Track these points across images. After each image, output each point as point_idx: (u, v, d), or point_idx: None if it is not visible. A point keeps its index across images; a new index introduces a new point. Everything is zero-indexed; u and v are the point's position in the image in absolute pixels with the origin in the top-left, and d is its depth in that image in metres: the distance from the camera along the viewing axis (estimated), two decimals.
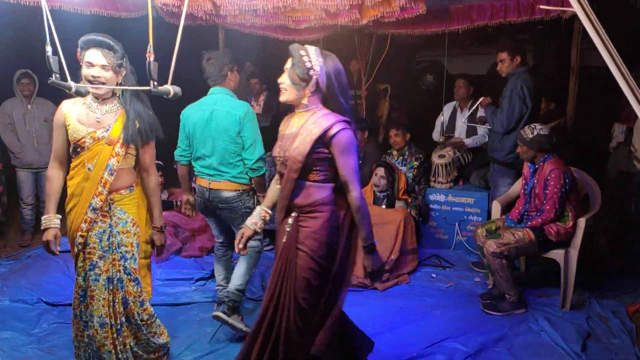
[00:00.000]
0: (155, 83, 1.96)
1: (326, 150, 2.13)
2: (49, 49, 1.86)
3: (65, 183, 2.54)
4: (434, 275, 4.16)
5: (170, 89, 2.05)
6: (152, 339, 2.66)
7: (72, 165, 2.49)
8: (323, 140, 2.11)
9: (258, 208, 2.40)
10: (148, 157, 2.59)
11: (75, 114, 2.44)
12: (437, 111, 5.27)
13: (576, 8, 1.29)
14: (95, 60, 2.33)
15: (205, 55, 3.18)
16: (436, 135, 5.24)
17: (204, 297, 3.77)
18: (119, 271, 2.49)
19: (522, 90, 3.93)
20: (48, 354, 2.99)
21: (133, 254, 2.53)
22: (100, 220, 2.46)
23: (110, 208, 2.48)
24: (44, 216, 2.49)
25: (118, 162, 2.44)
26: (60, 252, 4.58)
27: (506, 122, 4.00)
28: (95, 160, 2.41)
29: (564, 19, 3.94)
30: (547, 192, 3.36)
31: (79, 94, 2.32)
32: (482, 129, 4.86)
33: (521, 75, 3.99)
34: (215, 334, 3.22)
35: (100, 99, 2.44)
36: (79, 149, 2.44)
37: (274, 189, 2.40)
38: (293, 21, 4.38)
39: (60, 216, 2.51)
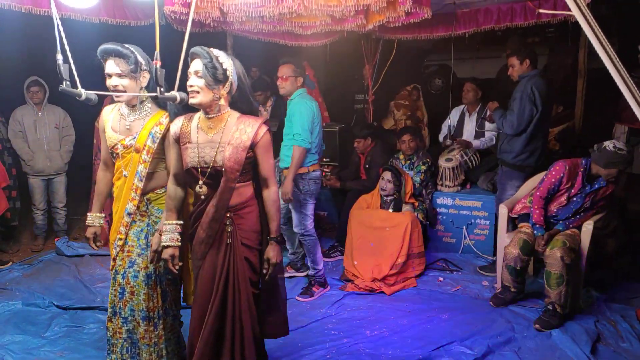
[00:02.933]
0: (162, 89, 2.00)
1: (251, 154, 2.26)
2: (59, 56, 1.91)
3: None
4: (441, 278, 4.15)
5: (177, 95, 2.10)
6: (183, 341, 2.72)
7: (114, 169, 2.60)
8: (252, 146, 2.24)
9: (172, 225, 2.35)
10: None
11: (111, 121, 2.52)
12: (447, 115, 5.28)
13: (574, 11, 1.30)
14: (111, 70, 2.37)
15: None
16: (441, 138, 5.24)
17: None
18: (158, 268, 2.55)
19: (533, 93, 3.91)
20: (59, 357, 3.03)
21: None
22: (139, 219, 2.53)
23: (147, 208, 2.54)
24: (89, 214, 2.68)
25: (145, 168, 2.46)
26: (69, 256, 4.69)
27: (516, 123, 3.99)
28: (130, 167, 2.48)
29: (571, 21, 3.94)
30: (603, 199, 3.46)
31: (89, 101, 2.38)
32: (489, 133, 4.85)
33: (532, 78, 3.98)
34: None
35: (129, 105, 2.49)
36: (114, 155, 2.54)
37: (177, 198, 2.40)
38: (299, 27, 4.42)
39: (103, 215, 2.70)
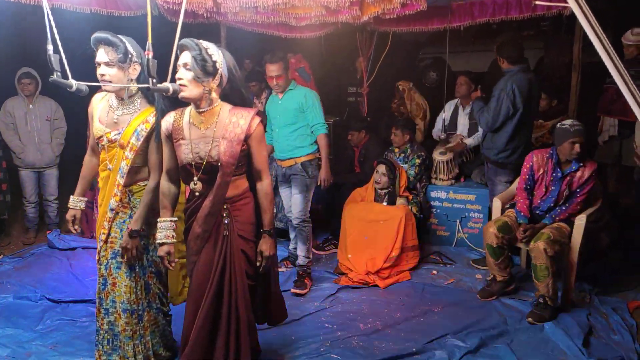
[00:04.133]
0: (154, 80, 1.97)
1: (245, 146, 2.25)
2: (50, 47, 1.87)
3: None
4: (435, 272, 4.17)
5: (170, 86, 2.07)
6: (170, 335, 2.72)
7: (100, 160, 2.58)
8: (246, 138, 2.23)
9: (166, 222, 2.33)
10: (155, 158, 2.53)
11: (99, 112, 2.48)
12: (441, 108, 5.27)
13: (571, 3, 1.29)
14: (100, 59, 2.34)
15: None
16: (437, 132, 5.24)
17: None
18: (141, 260, 2.53)
19: (513, 91, 3.89)
20: (51, 350, 3.01)
21: (155, 246, 2.53)
22: (122, 211, 2.50)
23: (130, 199, 2.51)
24: (71, 196, 2.67)
25: (127, 165, 2.44)
26: (61, 249, 4.66)
27: (491, 121, 4.00)
28: (114, 162, 2.45)
29: (565, 15, 3.93)
30: (584, 188, 3.42)
31: (80, 92, 2.34)
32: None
33: (515, 75, 3.95)
34: None
35: (118, 98, 2.44)
36: (99, 146, 2.51)
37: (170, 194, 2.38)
38: (294, 18, 4.38)
39: (86, 199, 2.70)
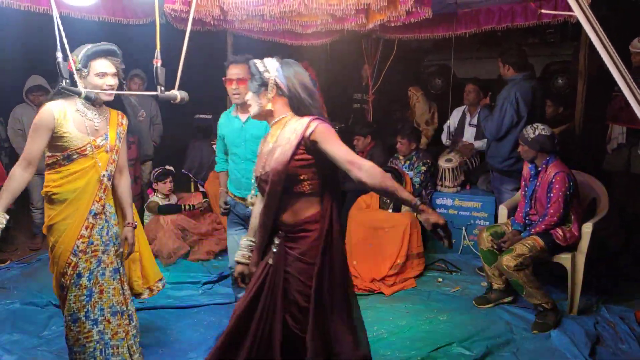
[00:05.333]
0: (163, 88, 1.99)
1: (309, 156, 1.97)
2: (59, 54, 1.90)
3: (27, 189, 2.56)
4: (440, 279, 4.15)
5: (177, 94, 2.09)
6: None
7: (63, 172, 2.44)
8: (305, 145, 1.96)
9: (244, 240, 2.28)
10: (125, 157, 2.68)
11: (72, 122, 2.39)
12: (446, 115, 5.27)
13: (576, 12, 1.30)
14: (108, 70, 2.39)
15: None
16: (444, 138, 5.24)
17: (211, 300, 3.78)
18: (120, 260, 2.60)
19: (517, 100, 3.89)
20: (57, 356, 3.02)
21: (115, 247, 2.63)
22: (99, 217, 2.51)
23: (104, 206, 2.55)
24: None
25: (114, 167, 2.54)
26: None
27: (495, 130, 3.99)
28: (100, 167, 2.47)
29: (571, 22, 3.93)
30: (552, 195, 3.33)
31: (89, 99, 2.37)
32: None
33: (518, 83, 3.95)
34: None
35: (97, 106, 2.47)
36: (75, 156, 2.42)
37: (257, 213, 2.22)
38: (300, 26, 4.41)
39: (8, 217, 2.36)
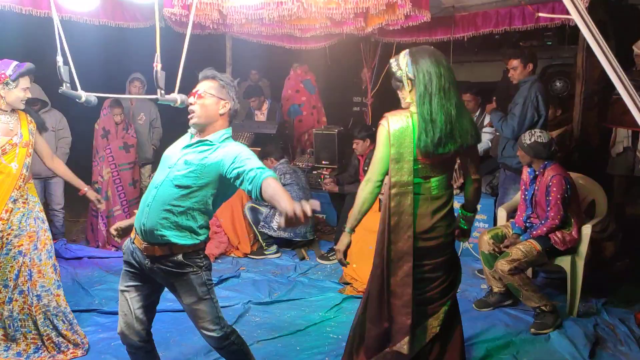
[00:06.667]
0: (163, 92, 2.00)
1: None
2: (59, 58, 1.91)
3: None
4: None
5: (177, 97, 2.10)
6: (50, 320, 2.97)
7: None
8: None
9: None
10: (47, 145, 3.18)
11: None
12: None
13: (574, 15, 1.31)
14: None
15: None
16: None
17: None
18: (29, 248, 2.92)
19: (537, 98, 3.92)
20: None
21: (46, 231, 3.02)
22: (22, 206, 2.92)
23: (27, 196, 2.96)
24: None
25: (30, 159, 2.97)
26: (67, 258, 4.68)
27: (517, 128, 4.00)
28: (16, 160, 2.89)
29: (569, 25, 3.96)
30: (550, 198, 3.34)
31: (89, 103, 2.38)
32: (486, 136, 4.85)
33: (534, 83, 3.99)
34: None
35: (10, 110, 2.90)
36: None
37: None
38: (299, 30, 4.44)
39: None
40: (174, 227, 2.12)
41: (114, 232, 2.41)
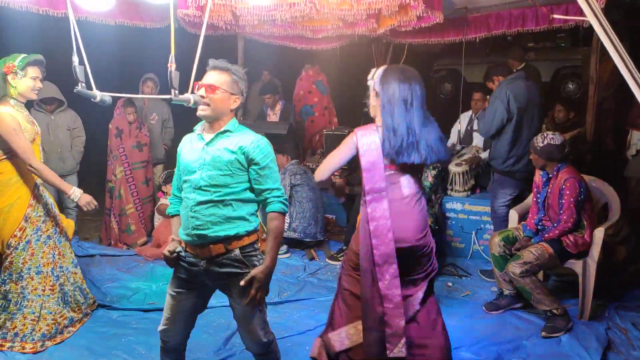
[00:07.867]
0: (176, 91, 2.02)
1: None
2: (75, 58, 1.94)
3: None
4: (449, 284, 4.14)
5: (191, 97, 2.12)
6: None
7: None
8: None
9: None
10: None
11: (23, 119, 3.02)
12: (456, 119, 5.27)
13: (589, 16, 1.30)
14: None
15: None
16: (451, 144, 5.23)
17: (220, 302, 3.79)
18: (53, 232, 3.22)
19: (507, 97, 3.88)
20: (69, 355, 3.05)
21: (59, 214, 3.32)
22: (43, 191, 3.25)
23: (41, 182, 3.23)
24: None
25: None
26: (80, 256, 4.74)
27: (485, 128, 4.01)
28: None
29: (583, 27, 3.92)
30: (563, 201, 3.32)
31: (104, 102, 2.41)
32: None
33: (513, 81, 3.96)
34: (230, 339, 3.25)
35: (24, 103, 3.08)
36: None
37: None
38: (311, 31, 4.45)
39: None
40: (224, 221, 2.14)
41: (168, 254, 2.23)
